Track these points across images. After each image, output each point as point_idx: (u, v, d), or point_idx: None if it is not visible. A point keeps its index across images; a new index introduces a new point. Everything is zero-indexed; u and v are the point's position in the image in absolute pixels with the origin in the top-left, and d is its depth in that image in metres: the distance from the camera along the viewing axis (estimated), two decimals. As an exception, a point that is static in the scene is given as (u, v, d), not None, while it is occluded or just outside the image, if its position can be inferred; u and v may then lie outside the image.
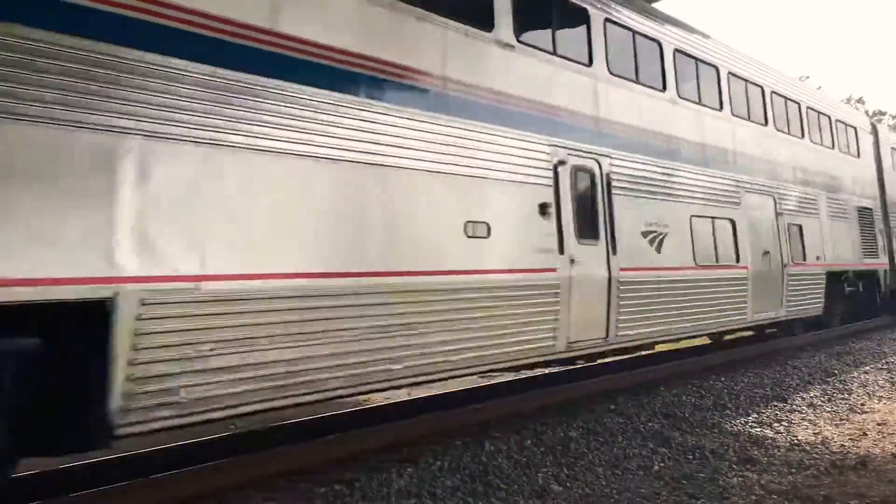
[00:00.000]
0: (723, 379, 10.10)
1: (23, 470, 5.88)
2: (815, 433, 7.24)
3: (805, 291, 13.54)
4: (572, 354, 8.40)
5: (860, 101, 47.96)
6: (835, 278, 15.14)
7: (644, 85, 10.14)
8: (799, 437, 7.05)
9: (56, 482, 5.62)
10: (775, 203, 12.93)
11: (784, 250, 12.82)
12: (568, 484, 5.65)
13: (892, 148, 21.08)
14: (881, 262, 18.10)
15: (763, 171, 12.84)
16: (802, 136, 14.90)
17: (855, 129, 17.94)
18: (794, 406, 8.55)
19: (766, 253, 12.21)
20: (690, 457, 6.42)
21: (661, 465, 6.19)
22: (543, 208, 7.79)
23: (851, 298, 16.41)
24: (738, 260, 11.37)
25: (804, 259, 13.56)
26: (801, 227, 13.66)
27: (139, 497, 5.10)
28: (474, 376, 8.55)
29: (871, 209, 17.80)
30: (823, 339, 14.72)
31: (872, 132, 19.36)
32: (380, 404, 8.88)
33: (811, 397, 9.06)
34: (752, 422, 7.74)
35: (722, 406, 8.49)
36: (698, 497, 5.28)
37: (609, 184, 8.90)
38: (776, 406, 8.54)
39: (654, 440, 6.94)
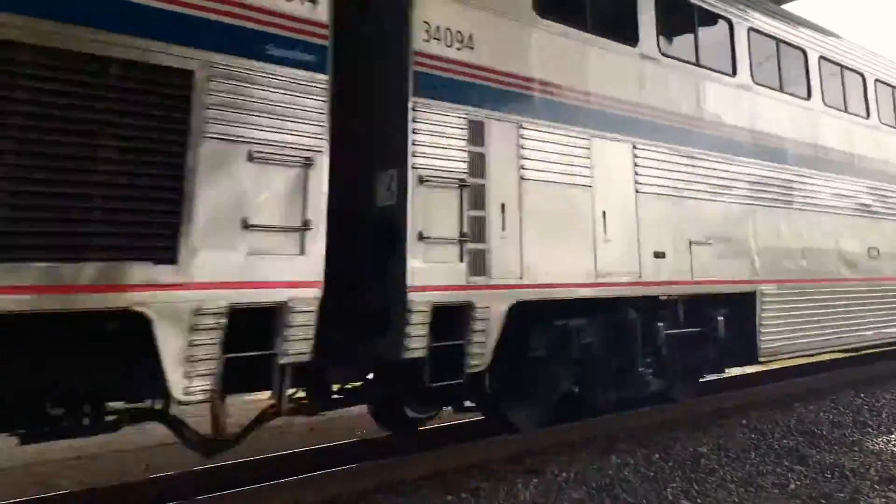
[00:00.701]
0: (863, 395, 9.60)
1: (154, 472, 6.31)
2: (966, 454, 6.78)
3: None
4: None
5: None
6: None
7: None
8: (949, 458, 6.61)
9: (190, 483, 5.97)
10: None
11: None
12: (698, 500, 5.51)
13: None
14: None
15: None
16: None
17: None
18: (942, 425, 8.02)
19: None
20: (829, 475, 6.13)
21: (798, 483, 5.94)
22: None
23: None
24: None
25: None
26: None
27: (273, 499, 5.32)
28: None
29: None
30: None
31: None
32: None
33: (961, 416, 8.47)
34: (895, 440, 7.34)
35: (862, 423, 8.07)
36: (839, 518, 5.07)
37: None
38: (922, 425, 8.04)
39: (789, 457, 6.67)
